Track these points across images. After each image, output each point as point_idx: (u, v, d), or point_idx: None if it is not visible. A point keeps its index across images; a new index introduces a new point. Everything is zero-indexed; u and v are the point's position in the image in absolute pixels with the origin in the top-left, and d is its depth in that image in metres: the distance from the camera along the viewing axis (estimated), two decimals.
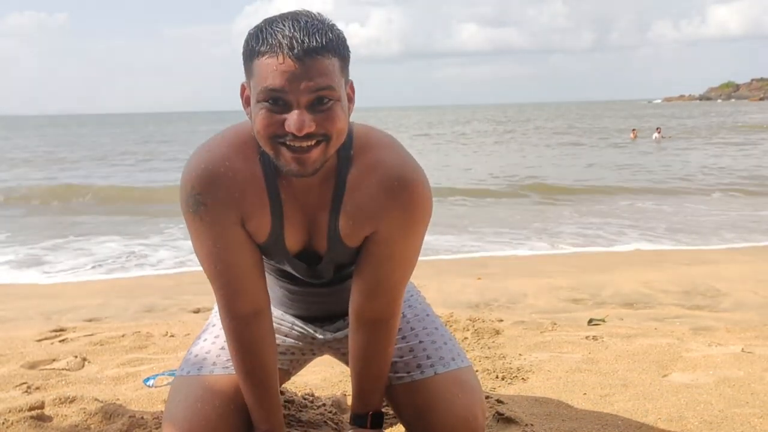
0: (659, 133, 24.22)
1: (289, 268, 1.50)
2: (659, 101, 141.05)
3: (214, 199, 1.31)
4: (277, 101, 1.17)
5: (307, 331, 1.71)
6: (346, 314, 1.66)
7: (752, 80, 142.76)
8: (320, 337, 1.70)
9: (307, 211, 1.39)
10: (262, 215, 1.36)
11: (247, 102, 1.27)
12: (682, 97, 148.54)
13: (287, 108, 1.18)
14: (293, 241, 1.42)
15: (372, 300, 1.44)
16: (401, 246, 1.39)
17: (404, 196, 1.33)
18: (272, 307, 1.62)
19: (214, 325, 1.66)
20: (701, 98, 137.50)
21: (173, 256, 6.55)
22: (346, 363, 1.74)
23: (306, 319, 1.71)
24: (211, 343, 1.60)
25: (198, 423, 1.42)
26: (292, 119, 1.17)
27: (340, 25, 1.29)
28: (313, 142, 1.20)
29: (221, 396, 1.47)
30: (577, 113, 65.89)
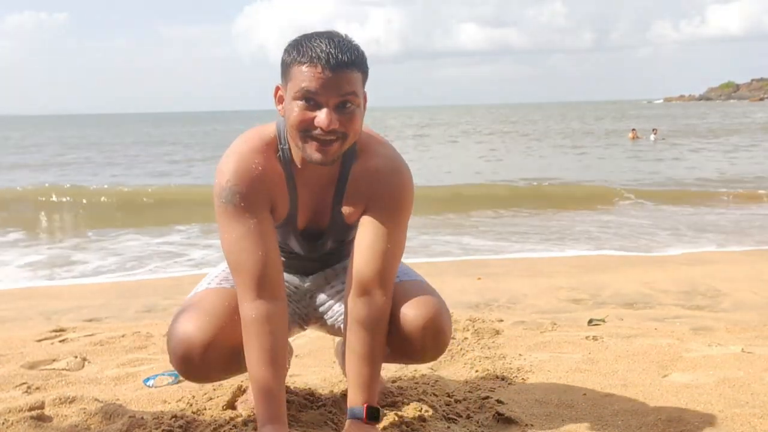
0: (655, 133, 24.26)
1: (293, 243, 1.75)
2: (659, 101, 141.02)
3: (249, 188, 1.57)
4: (309, 101, 1.47)
5: (289, 280, 1.86)
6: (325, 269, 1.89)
7: (752, 80, 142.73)
8: (302, 284, 1.88)
9: (315, 196, 1.68)
10: (283, 202, 1.65)
11: (279, 101, 1.56)
12: (682, 97, 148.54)
13: (318, 107, 1.47)
14: (302, 220, 1.71)
15: (365, 266, 1.61)
16: (387, 220, 1.64)
17: (393, 183, 1.65)
18: None
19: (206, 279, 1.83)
20: (701, 98, 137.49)
21: (199, 256, 6.48)
22: (330, 332, 1.92)
23: (289, 269, 1.87)
24: (205, 280, 1.81)
25: (186, 347, 1.57)
26: (322, 116, 1.46)
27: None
28: (334, 137, 1.49)
29: (210, 312, 1.61)
30: (576, 113, 65.86)
